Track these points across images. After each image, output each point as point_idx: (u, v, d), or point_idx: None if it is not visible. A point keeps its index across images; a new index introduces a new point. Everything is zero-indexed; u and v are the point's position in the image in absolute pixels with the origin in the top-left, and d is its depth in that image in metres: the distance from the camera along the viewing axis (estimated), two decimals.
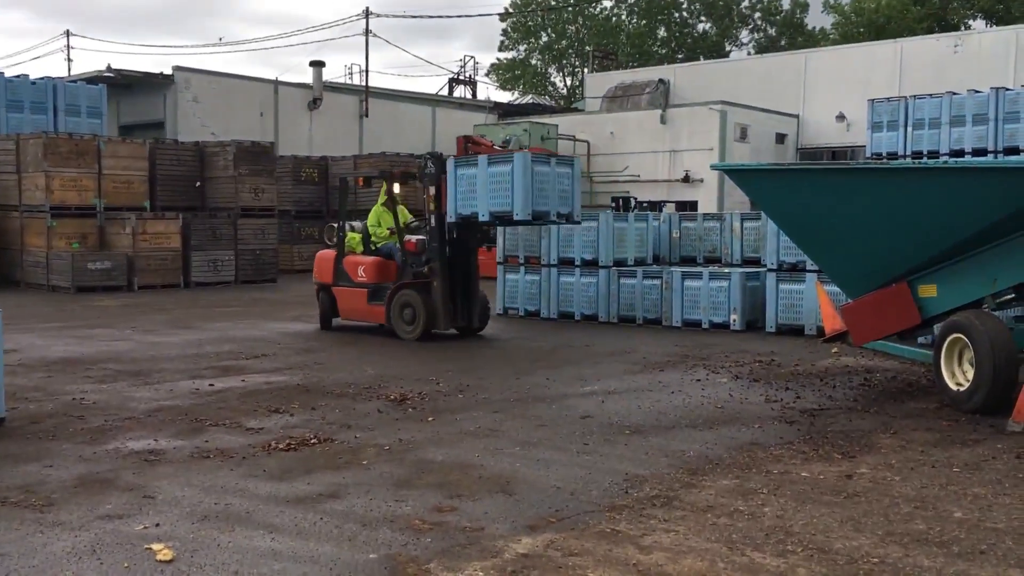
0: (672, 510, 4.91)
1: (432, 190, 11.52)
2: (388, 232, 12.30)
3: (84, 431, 6.72)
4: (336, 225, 12.89)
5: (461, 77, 44.28)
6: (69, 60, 43.72)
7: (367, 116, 32.18)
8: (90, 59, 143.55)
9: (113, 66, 27.88)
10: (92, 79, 25.68)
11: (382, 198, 12.60)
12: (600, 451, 6.20)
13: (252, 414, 7.33)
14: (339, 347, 11.30)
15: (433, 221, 11.53)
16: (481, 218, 11.32)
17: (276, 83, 30.69)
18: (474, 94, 43.77)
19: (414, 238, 12.07)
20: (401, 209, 12.48)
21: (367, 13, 34.20)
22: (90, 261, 18.69)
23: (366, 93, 32.66)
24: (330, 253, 12.85)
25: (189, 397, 8.04)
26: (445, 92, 42.71)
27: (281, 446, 6.26)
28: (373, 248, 12.45)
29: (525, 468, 5.77)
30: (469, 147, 12.07)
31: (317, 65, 31.01)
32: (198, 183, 21.38)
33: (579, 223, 12.57)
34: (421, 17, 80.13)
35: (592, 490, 5.30)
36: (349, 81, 38.17)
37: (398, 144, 29.29)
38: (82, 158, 19.29)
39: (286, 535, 4.57)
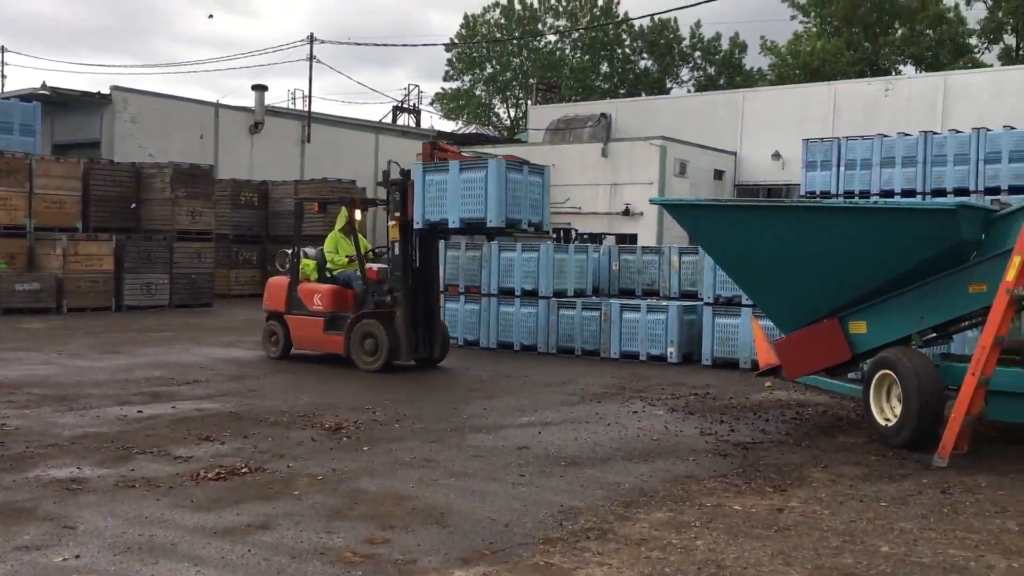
0: (606, 543, 4.91)
1: (395, 219, 11.23)
2: (347, 260, 12.02)
3: (3, 458, 6.48)
4: (289, 251, 12.56)
5: (405, 105, 44.32)
6: (3, 76, 42.74)
7: (309, 141, 31.98)
8: (25, 76, 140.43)
9: (49, 83, 27.28)
10: (26, 96, 25.07)
11: (339, 224, 12.31)
12: (536, 482, 6.18)
13: (181, 442, 7.15)
14: (274, 374, 11.12)
15: (396, 249, 11.29)
16: (451, 225, 11.09)
17: (217, 106, 30.34)
18: (418, 123, 43.84)
19: (375, 266, 11.84)
20: (360, 237, 12.23)
21: (311, 39, 34.10)
22: (17, 282, 18.17)
23: (308, 118, 32.47)
24: (282, 280, 12.50)
25: (116, 424, 7.82)
26: (389, 120, 42.67)
27: (210, 475, 6.12)
28: (329, 275, 12.15)
29: (460, 499, 5.72)
30: (435, 153, 11.67)
31: (259, 89, 30.76)
32: (133, 205, 20.98)
33: (548, 232, 12.56)
34: (365, 44, 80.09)
35: (527, 522, 5.27)
36: (292, 106, 37.93)
37: (340, 170, 29.14)
38: (12, 176, 18.81)
39: (212, 568, 4.45)
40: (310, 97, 33.42)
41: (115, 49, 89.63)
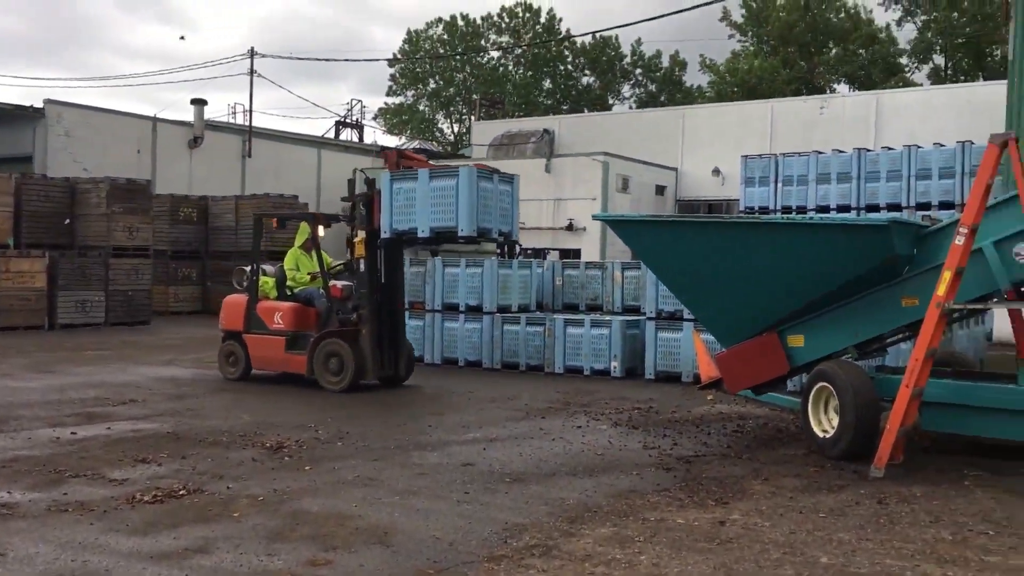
0: (550, 559, 4.91)
1: (361, 234, 10.95)
2: (309, 277, 11.71)
3: None
4: (248, 268, 12.09)
5: (348, 120, 44.04)
6: None
7: (250, 156, 31.60)
8: None
9: None
10: None
11: (299, 241, 11.95)
12: (481, 500, 6.15)
13: (117, 464, 6.98)
14: (213, 393, 10.92)
15: (362, 265, 10.97)
16: (421, 234, 10.83)
17: (155, 120, 29.83)
18: (361, 138, 43.58)
19: (340, 283, 11.47)
20: (324, 254, 11.90)
21: (252, 53, 33.74)
22: None
23: (249, 133, 32.10)
24: (240, 298, 12.05)
25: (48, 446, 7.60)
26: (331, 135, 42.38)
27: (147, 498, 5.98)
28: (289, 293, 11.80)
29: (404, 518, 5.67)
30: (401, 162, 11.41)
31: (199, 103, 30.33)
32: (67, 220, 20.48)
33: (517, 243, 12.43)
34: (307, 59, 79.49)
35: (471, 540, 5.25)
36: (232, 120, 37.46)
37: (281, 186, 28.83)
38: None
39: None
40: (251, 111, 32.96)
41: (49, 62, 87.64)
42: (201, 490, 6.22)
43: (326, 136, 41.01)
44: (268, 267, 12.18)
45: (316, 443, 7.93)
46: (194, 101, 30.42)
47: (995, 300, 7.40)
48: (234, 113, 39.13)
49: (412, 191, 10.86)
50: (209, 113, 31.52)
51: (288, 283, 11.85)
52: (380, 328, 11.03)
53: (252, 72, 33.47)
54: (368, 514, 5.74)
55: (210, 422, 8.86)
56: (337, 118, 45.16)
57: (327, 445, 7.86)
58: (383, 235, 10.92)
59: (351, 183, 11.38)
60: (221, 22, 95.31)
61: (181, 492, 6.14)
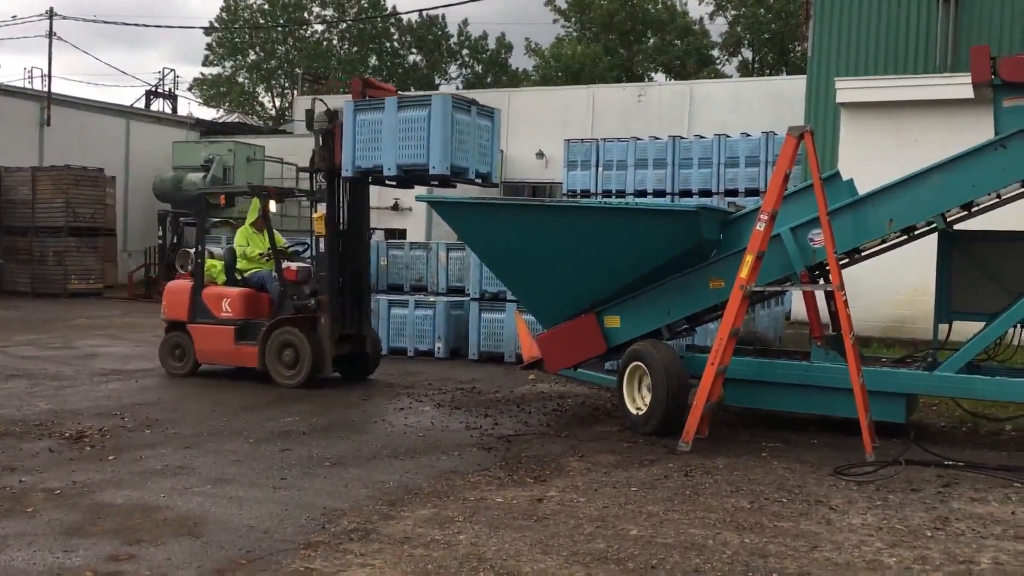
0: (369, 543, 4.86)
1: (320, 210, 9.91)
2: (261, 256, 10.60)
3: None
4: (193, 250, 10.85)
5: (160, 90, 41.73)
6: None
7: (49, 125, 29.43)
8: None
9: None
10: None
11: (250, 218, 10.82)
12: (298, 485, 6.02)
13: None
14: (5, 380, 10.14)
15: (322, 245, 9.88)
16: (387, 172, 9.52)
17: None
18: (174, 109, 41.37)
19: (294, 265, 10.50)
20: (277, 234, 10.72)
21: (51, 13, 31.37)
22: None
23: (48, 99, 29.87)
24: (184, 284, 10.82)
25: None
26: (141, 105, 40.10)
27: None
28: (239, 277, 10.69)
29: (216, 507, 5.46)
30: (367, 92, 10.05)
31: None
32: None
33: (497, 186, 11.01)
34: (114, 23, 74.79)
35: (288, 527, 5.12)
36: (28, 85, 34.74)
37: (86, 157, 27.00)
38: None
39: None
40: (50, 76, 30.67)
41: None
42: None
43: (136, 106, 38.76)
44: (216, 249, 10.97)
45: (121, 431, 7.51)
46: None
47: (791, 283, 7.90)
48: (31, 78, 36.33)
49: (378, 123, 9.53)
50: (2, 77, 29.13)
51: (238, 265, 10.73)
52: (342, 313, 10.06)
53: (51, 35, 31.15)
54: (177, 504, 5.50)
55: (1, 411, 8.22)
56: (148, 87, 42.79)
57: (133, 433, 7.47)
58: (345, 173, 9.73)
59: (309, 113, 10.22)
60: None
61: None
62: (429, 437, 7.63)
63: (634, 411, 7.91)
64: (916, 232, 7.88)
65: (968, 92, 7.79)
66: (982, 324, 7.62)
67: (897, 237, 7.87)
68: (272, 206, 10.76)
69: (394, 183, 10.03)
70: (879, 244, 8.01)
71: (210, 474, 6.25)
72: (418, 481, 6.17)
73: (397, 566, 4.53)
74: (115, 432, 7.47)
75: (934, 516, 5.47)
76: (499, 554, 4.72)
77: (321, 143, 10.02)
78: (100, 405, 8.66)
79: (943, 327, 8.31)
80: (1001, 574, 4.54)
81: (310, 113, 10.19)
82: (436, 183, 10.12)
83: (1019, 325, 7.47)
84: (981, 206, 7.72)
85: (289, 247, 11.04)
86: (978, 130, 7.93)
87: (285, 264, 10.43)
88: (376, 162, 9.58)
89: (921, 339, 11.60)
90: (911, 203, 7.30)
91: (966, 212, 7.70)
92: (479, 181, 9.96)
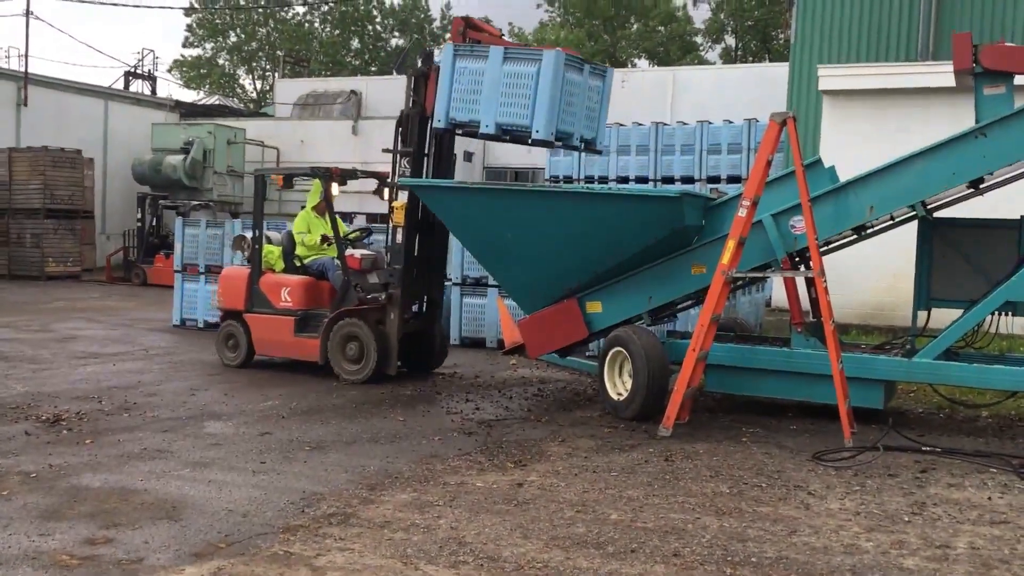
0: (348, 528, 4.85)
1: (401, 198, 9.25)
2: (322, 242, 10.03)
3: None
4: (250, 236, 10.30)
5: (139, 71, 41.28)
6: None
7: (26, 105, 29.05)
8: None
9: None
10: None
11: (311, 202, 10.27)
12: (278, 469, 5.99)
13: None
14: None
15: (399, 236, 9.23)
16: (484, 129, 8.64)
17: None
18: (154, 90, 40.95)
19: (358, 253, 9.90)
20: (339, 220, 10.10)
21: None
22: None
23: (25, 79, 29.48)
24: (241, 271, 10.27)
25: None
26: (121, 86, 39.66)
27: None
28: (299, 264, 10.13)
29: (195, 491, 5.43)
30: (468, 34, 9.05)
31: None
32: None
33: (600, 153, 10.34)
34: (92, 3, 73.84)
35: (267, 511, 5.10)
36: (5, 65, 34.26)
37: (63, 139, 26.67)
38: None
39: None
40: (27, 56, 30.22)
41: None
42: None
43: (115, 87, 38.34)
44: (274, 234, 10.50)
45: (99, 414, 7.45)
46: None
47: (772, 269, 7.92)
48: (8, 57, 35.88)
49: (480, 73, 8.57)
50: None
51: (298, 251, 10.18)
52: (419, 291, 9.60)
53: (28, 13, 30.70)
54: (155, 488, 5.46)
55: None
56: (127, 68, 42.35)
57: (111, 416, 7.41)
58: (436, 124, 8.88)
59: (401, 50, 9.41)
60: None
61: None
62: (410, 422, 7.62)
63: (615, 396, 7.92)
64: (896, 219, 7.93)
65: (950, 80, 7.82)
66: (960, 311, 7.67)
67: (885, 222, 7.92)
68: (335, 188, 10.09)
69: (489, 140, 9.26)
70: (888, 220, 8.06)
71: (189, 458, 6.21)
72: (398, 466, 6.16)
73: (376, 550, 4.52)
74: (93, 415, 7.41)
75: (911, 501, 5.51)
76: (479, 538, 4.72)
77: (412, 87, 9.25)
78: (77, 388, 8.59)
79: (922, 314, 8.37)
80: (977, 559, 4.58)
81: (401, 51, 9.48)
82: (537, 146, 9.15)
83: (997, 312, 7.53)
84: (988, 183, 7.72)
85: (352, 232, 10.58)
86: (958, 118, 7.97)
87: (348, 251, 9.89)
88: (473, 116, 8.67)
89: (900, 326, 11.68)
90: (892, 190, 7.33)
91: (974, 189, 7.72)
92: (582, 147, 9.19)
